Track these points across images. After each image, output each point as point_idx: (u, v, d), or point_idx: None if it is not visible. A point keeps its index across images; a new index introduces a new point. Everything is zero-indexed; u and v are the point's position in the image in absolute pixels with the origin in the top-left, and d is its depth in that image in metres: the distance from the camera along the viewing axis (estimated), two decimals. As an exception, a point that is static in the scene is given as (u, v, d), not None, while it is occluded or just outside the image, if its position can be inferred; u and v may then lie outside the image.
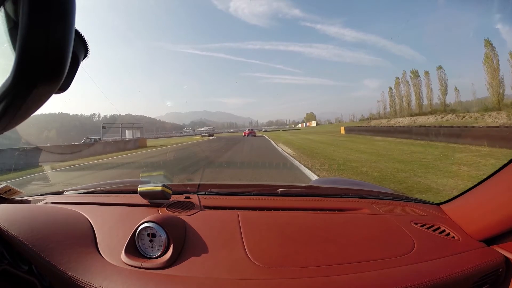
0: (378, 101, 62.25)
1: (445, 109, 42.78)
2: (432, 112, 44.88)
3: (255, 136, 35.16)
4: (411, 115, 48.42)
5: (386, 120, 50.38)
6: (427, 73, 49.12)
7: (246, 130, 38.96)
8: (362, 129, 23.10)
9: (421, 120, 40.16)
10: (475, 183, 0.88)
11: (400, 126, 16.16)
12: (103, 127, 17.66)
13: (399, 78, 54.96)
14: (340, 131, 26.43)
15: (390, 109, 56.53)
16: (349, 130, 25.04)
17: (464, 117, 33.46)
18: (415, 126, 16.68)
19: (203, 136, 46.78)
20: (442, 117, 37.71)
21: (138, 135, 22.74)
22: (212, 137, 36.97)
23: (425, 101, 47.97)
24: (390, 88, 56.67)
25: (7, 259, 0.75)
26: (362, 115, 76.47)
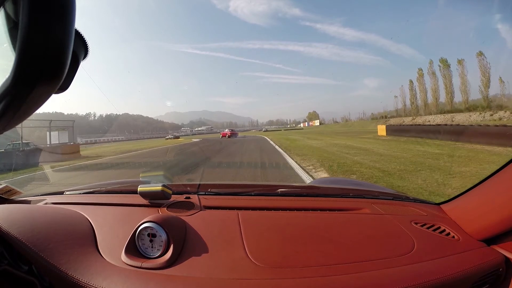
0: (395, 96, 53.89)
1: (489, 104, 34.22)
2: (470, 108, 36.08)
3: (237, 136, 26.92)
4: (441, 112, 39.67)
5: (411, 118, 41.94)
6: (460, 61, 40.48)
7: (226, 130, 30.08)
8: (424, 129, 13.76)
9: (460, 118, 31.45)
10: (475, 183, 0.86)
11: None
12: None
13: (422, 70, 46.54)
14: (378, 132, 18.27)
15: (411, 105, 48.33)
16: (395, 130, 16.73)
17: (526, 114, 24.22)
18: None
19: (166, 139, 39.53)
20: (492, 115, 28.54)
21: (65, 139, 14.68)
22: (179, 139, 30.05)
23: (458, 96, 39.72)
24: (411, 81, 48.46)
25: (7, 259, 0.74)
26: (372, 113, 69.50)
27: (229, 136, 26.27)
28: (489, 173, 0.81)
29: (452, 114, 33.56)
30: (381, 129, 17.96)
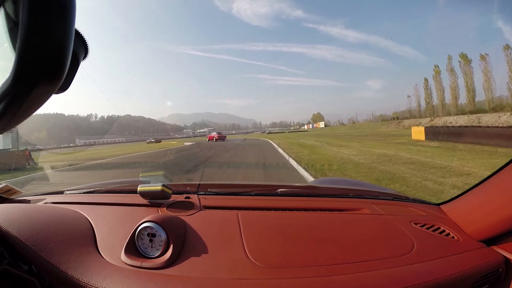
0: (408, 96, 50.10)
1: (518, 104, 30.39)
2: (496, 108, 32.15)
3: (224, 140, 26.11)
4: (464, 113, 35.73)
5: (428, 119, 38.01)
6: (484, 57, 36.63)
7: (214, 133, 30.29)
8: (488, 133, 10.02)
9: (488, 119, 27.33)
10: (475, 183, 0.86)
11: None
12: None
13: (438, 66, 42.68)
14: (412, 135, 14.82)
15: (427, 105, 44.48)
16: (439, 133, 13.26)
17: None
18: None
19: (148, 142, 40.25)
20: (528, 115, 24.51)
21: (8, 145, 11.10)
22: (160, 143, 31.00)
23: (480, 94, 36.17)
24: (426, 79, 44.65)
25: (7, 259, 0.73)
26: (381, 114, 66.09)
27: (216, 140, 25.76)
28: None
29: (477, 115, 29.74)
30: (418, 132, 14.36)
